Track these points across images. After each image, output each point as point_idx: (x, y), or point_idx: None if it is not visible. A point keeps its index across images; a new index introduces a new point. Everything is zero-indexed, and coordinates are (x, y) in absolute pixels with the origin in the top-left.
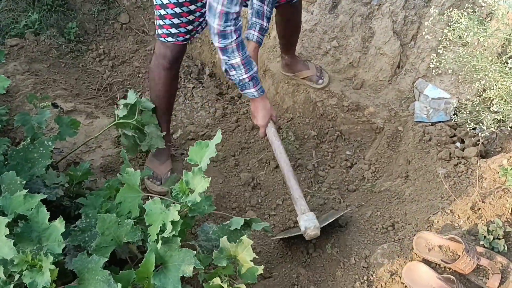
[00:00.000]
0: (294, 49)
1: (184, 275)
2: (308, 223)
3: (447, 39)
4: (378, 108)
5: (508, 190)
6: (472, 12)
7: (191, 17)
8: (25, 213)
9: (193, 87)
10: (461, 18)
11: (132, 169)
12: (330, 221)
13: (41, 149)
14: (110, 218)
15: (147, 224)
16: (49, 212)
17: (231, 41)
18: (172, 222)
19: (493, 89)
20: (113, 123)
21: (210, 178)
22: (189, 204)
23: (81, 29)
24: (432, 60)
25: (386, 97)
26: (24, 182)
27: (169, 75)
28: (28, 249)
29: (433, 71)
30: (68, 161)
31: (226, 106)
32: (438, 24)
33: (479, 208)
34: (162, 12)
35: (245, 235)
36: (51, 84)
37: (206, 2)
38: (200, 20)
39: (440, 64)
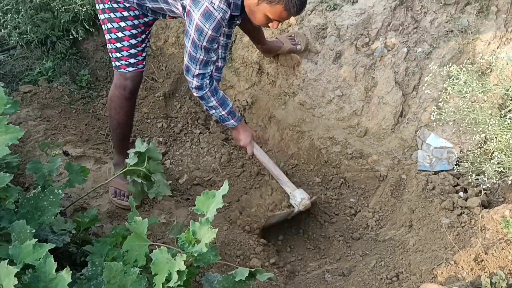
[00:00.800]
0: (263, 38)
1: None
2: (303, 195)
3: (447, 93)
4: (381, 156)
5: (511, 242)
6: (471, 66)
7: (143, 45)
8: (34, 263)
9: (200, 133)
10: (460, 73)
11: (140, 217)
12: (314, 199)
13: (51, 197)
14: (117, 266)
15: (153, 273)
16: (56, 263)
17: (206, 91)
18: (178, 272)
19: (494, 141)
20: (123, 170)
21: (217, 229)
22: (195, 255)
23: (92, 76)
24: (433, 113)
25: (389, 145)
26: (34, 230)
27: (130, 103)
28: None
29: (434, 123)
30: (76, 207)
31: (231, 151)
32: (439, 76)
33: (482, 260)
34: (119, 45)
35: (251, 286)
36: (62, 130)
37: (148, 26)
38: (148, 45)
39: (440, 116)
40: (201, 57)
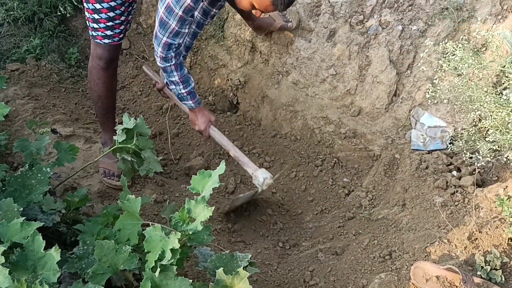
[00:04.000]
0: (252, 15)
1: None
2: (265, 175)
3: (442, 70)
4: (375, 136)
5: (505, 220)
6: (467, 43)
7: (123, 18)
8: (22, 241)
9: None
10: (456, 49)
11: (133, 196)
12: (276, 177)
13: (39, 175)
14: (108, 244)
15: (145, 251)
16: (44, 240)
17: (171, 64)
18: (172, 250)
19: (489, 119)
20: (112, 148)
21: (213, 207)
22: (190, 233)
23: (82, 54)
24: (428, 90)
25: (383, 125)
26: (21, 209)
27: (107, 74)
28: (24, 278)
29: (429, 100)
30: (66, 186)
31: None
32: (434, 55)
33: (476, 238)
34: (96, 16)
35: (242, 267)
36: (51, 109)
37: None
38: (129, 18)
39: (435, 94)
40: (173, 25)
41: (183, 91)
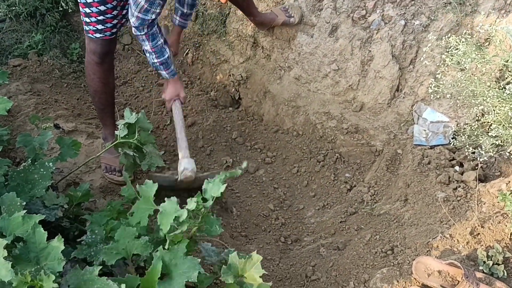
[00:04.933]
0: (255, 9)
1: (189, 280)
2: (188, 165)
3: (445, 65)
4: (377, 131)
5: (507, 215)
6: (470, 37)
7: (115, 12)
8: (23, 235)
9: None
10: (459, 44)
11: (151, 181)
12: (206, 174)
13: (42, 170)
14: (131, 230)
15: (158, 224)
16: (46, 232)
17: (143, 34)
18: (188, 211)
19: (491, 114)
20: (114, 143)
21: (226, 184)
22: (206, 204)
23: (83, 50)
24: (430, 85)
25: (385, 120)
26: (24, 203)
27: (102, 68)
28: (27, 271)
29: (432, 95)
30: (68, 181)
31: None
32: (437, 49)
33: (478, 233)
34: (87, 10)
35: (255, 251)
36: (53, 104)
37: None
38: (123, 13)
39: (438, 88)
40: (142, 2)
41: (155, 60)
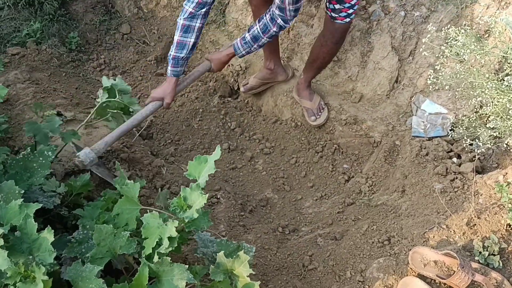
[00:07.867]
0: (308, 75)
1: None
2: (84, 155)
3: (445, 56)
4: (375, 122)
5: (504, 207)
6: (469, 29)
7: None
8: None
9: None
10: (458, 35)
11: (131, 181)
12: (87, 165)
13: (41, 159)
14: (107, 229)
15: (143, 237)
16: (37, 223)
17: (180, 18)
18: (169, 238)
19: (490, 106)
20: (97, 106)
21: (207, 195)
22: (186, 220)
23: (82, 38)
24: (429, 76)
25: (384, 111)
26: (23, 191)
27: None
28: (21, 261)
29: (431, 86)
30: (67, 171)
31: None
32: (436, 41)
33: (475, 224)
34: None
35: (242, 251)
36: (52, 93)
37: None
38: None
39: (437, 80)
40: None
41: (172, 52)
